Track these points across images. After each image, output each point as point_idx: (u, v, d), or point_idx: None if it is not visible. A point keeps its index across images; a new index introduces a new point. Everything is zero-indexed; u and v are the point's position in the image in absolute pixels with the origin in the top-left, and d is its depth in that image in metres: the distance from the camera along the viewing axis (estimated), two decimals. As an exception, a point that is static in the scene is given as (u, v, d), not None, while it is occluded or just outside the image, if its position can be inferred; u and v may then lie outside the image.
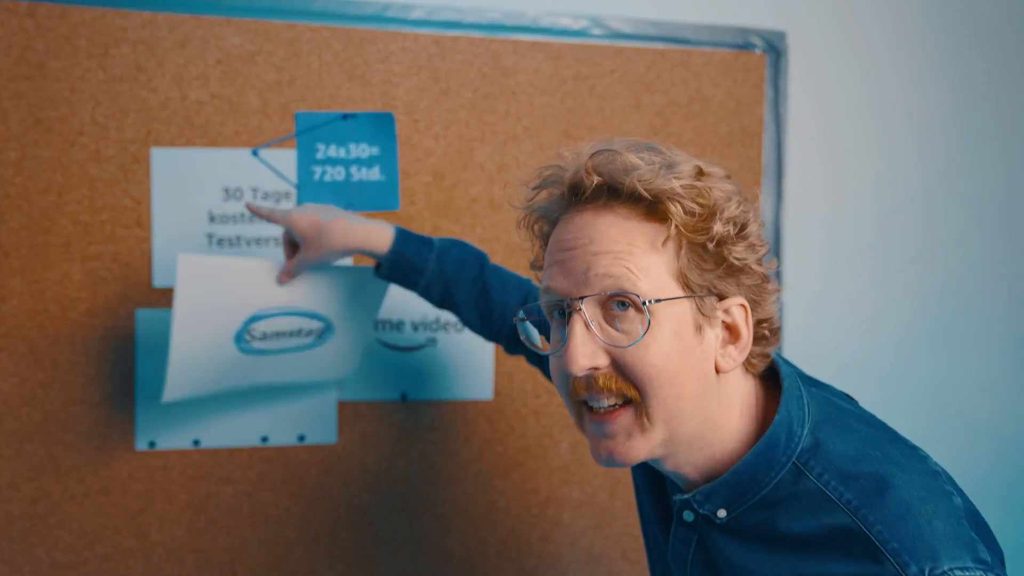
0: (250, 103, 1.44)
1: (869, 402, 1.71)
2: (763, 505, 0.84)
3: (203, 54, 1.42)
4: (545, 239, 0.90)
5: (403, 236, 1.20)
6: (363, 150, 1.47)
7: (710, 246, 0.80)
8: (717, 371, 0.83)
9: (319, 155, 1.46)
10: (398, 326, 1.48)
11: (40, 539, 1.38)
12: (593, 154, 0.83)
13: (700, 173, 0.82)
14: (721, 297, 0.82)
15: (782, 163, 1.63)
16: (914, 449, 0.85)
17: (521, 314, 0.92)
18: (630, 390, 0.81)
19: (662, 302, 0.79)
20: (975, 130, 1.75)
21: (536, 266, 0.93)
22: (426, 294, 1.22)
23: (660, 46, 1.57)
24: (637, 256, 0.79)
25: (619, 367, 0.80)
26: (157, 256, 1.41)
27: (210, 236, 1.43)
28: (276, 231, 1.44)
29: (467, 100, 1.50)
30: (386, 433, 1.48)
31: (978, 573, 0.75)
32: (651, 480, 0.99)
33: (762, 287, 0.84)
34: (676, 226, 0.79)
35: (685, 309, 0.80)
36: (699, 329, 0.81)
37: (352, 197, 1.47)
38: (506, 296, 1.21)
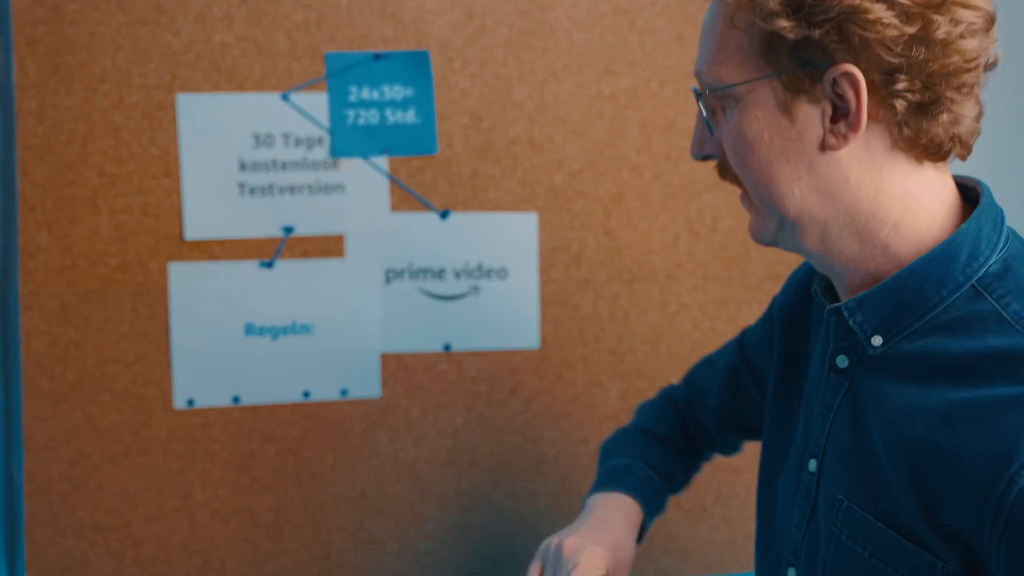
0: (278, 45, 1.37)
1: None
2: (926, 331, 0.75)
3: (227, -7, 1.35)
4: None
5: (646, 499, 1.11)
6: (397, 91, 1.42)
7: (779, 22, 0.72)
8: (824, 149, 0.75)
9: (351, 98, 1.40)
10: (439, 274, 1.43)
11: (81, 501, 1.34)
12: None
13: None
14: (826, 66, 0.72)
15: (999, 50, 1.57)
16: None
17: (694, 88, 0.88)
18: (738, 179, 0.81)
19: (723, 90, 0.77)
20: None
21: None
22: (674, 487, 1.18)
23: (702, -24, 1.51)
24: (722, 38, 0.77)
25: (728, 155, 0.81)
26: (187, 207, 1.35)
27: (241, 185, 1.37)
28: (309, 179, 1.38)
29: (503, 37, 1.44)
30: (430, 385, 1.44)
31: None
32: (808, 338, 0.93)
33: (917, 49, 0.71)
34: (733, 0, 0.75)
35: (765, 89, 0.75)
36: (788, 108, 0.75)
37: (387, 141, 1.41)
38: (705, 403, 1.17)
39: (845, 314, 0.79)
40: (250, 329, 1.37)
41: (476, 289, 1.45)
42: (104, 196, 1.33)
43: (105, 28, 1.32)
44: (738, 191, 0.83)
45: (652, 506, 1.11)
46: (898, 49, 0.70)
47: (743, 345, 1.13)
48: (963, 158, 0.77)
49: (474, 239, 1.44)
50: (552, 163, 1.46)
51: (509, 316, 1.46)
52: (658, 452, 1.16)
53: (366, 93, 1.40)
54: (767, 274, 1.53)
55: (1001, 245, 0.75)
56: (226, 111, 1.36)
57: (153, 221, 1.35)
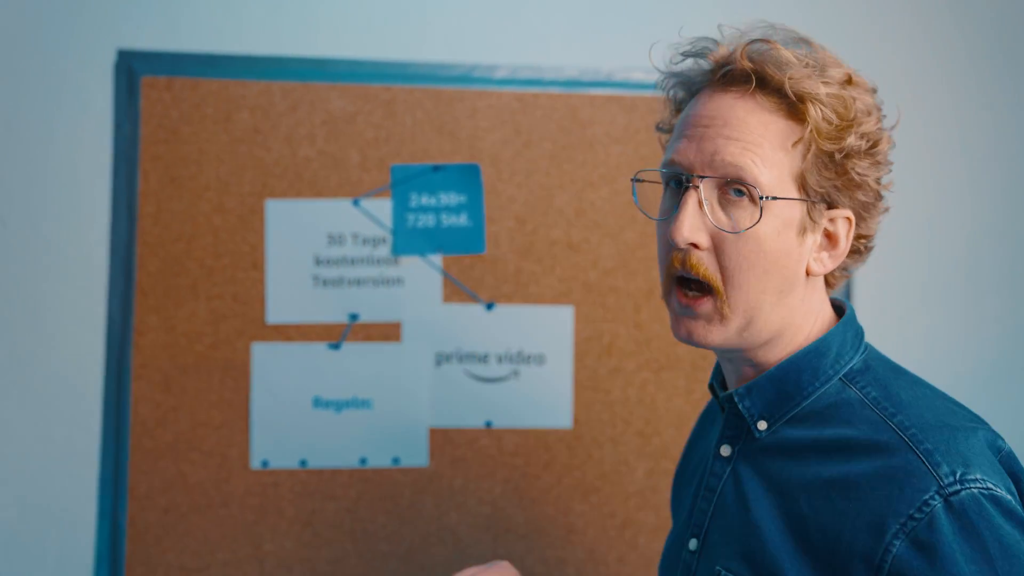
0: (351, 158, 1.61)
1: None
2: (802, 417, 0.85)
3: (311, 116, 1.60)
4: (678, 106, 0.92)
5: None
6: (452, 198, 1.62)
7: (837, 156, 0.82)
8: (808, 274, 0.86)
9: (412, 203, 1.62)
10: (483, 359, 1.61)
11: (171, 545, 1.56)
12: (752, 41, 0.85)
13: (848, 81, 0.84)
14: (831, 206, 0.84)
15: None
16: (977, 417, 0.85)
17: (638, 176, 0.93)
18: (716, 278, 0.84)
19: (777, 200, 0.81)
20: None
21: (662, 128, 0.96)
22: None
23: (730, 95, 1.66)
24: (766, 150, 0.82)
25: (717, 251, 0.83)
26: (270, 295, 1.59)
27: (316, 277, 1.60)
28: (373, 273, 1.59)
29: (547, 151, 1.63)
30: (473, 458, 1.61)
31: (1009, 497, 0.75)
32: (706, 435, 1.03)
33: (873, 204, 0.86)
34: (812, 130, 0.81)
35: (795, 210, 0.83)
36: (802, 232, 0.83)
37: (442, 241, 1.61)
38: None
39: (736, 399, 0.89)
40: (317, 402, 1.59)
41: (516, 373, 1.62)
42: (203, 285, 1.58)
43: (212, 146, 1.59)
44: None
45: None
46: (869, 208, 0.87)
47: None
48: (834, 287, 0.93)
49: (516, 328, 1.62)
50: (588, 262, 1.63)
51: (546, 398, 1.62)
52: None
53: (425, 199, 1.62)
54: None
55: (861, 350, 0.89)
56: (306, 214, 1.60)
57: (242, 307, 1.59)
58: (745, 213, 0.82)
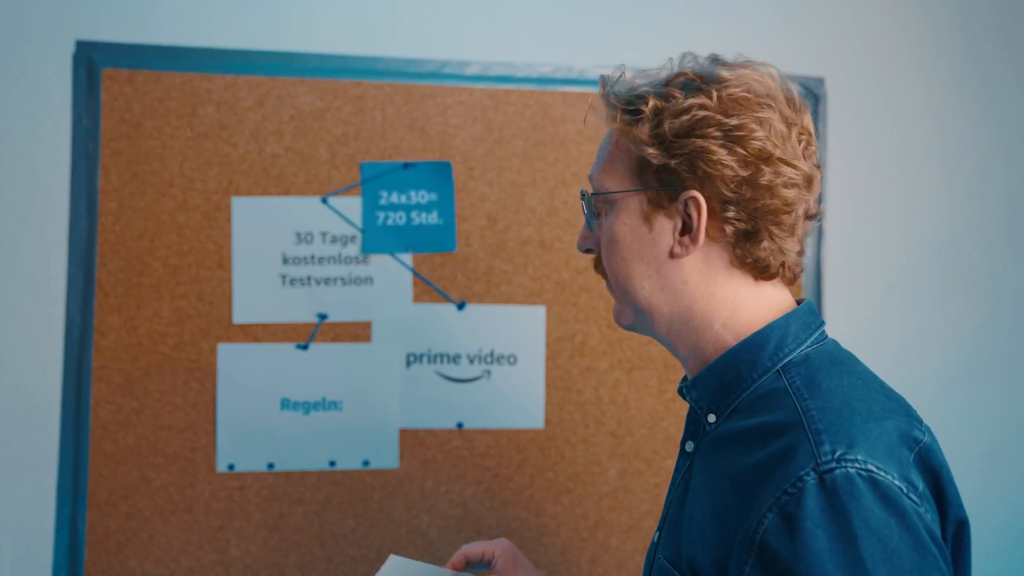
0: (320, 155, 1.58)
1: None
2: (742, 408, 0.88)
3: (278, 112, 1.56)
4: None
5: None
6: (423, 196, 1.60)
7: (648, 150, 0.89)
8: (672, 256, 0.91)
9: (382, 201, 1.59)
10: (455, 359, 1.59)
11: (133, 551, 1.52)
12: (618, 72, 0.97)
13: (671, 83, 0.91)
14: (680, 189, 0.89)
15: (821, 205, 1.70)
16: (909, 412, 0.87)
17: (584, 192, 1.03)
18: (604, 271, 0.97)
19: (615, 195, 0.93)
20: (1011, 171, 1.79)
21: None
22: None
23: (702, 94, 1.66)
24: (611, 159, 0.94)
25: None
26: (237, 294, 1.55)
27: (284, 276, 1.57)
28: (342, 272, 1.57)
29: (519, 148, 1.61)
30: (444, 459, 1.59)
31: (898, 484, 0.76)
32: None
33: (744, 193, 0.87)
34: (618, 128, 0.92)
35: (632, 201, 0.92)
36: (648, 218, 0.91)
37: (412, 240, 1.59)
38: None
39: (684, 391, 0.95)
40: (285, 403, 1.56)
41: (488, 373, 1.60)
42: (166, 284, 1.54)
43: (175, 141, 1.55)
44: None
45: None
46: (732, 186, 0.88)
47: None
48: (790, 283, 0.94)
49: (487, 328, 1.60)
50: (560, 261, 1.61)
51: (517, 399, 1.61)
52: None
53: (395, 197, 1.59)
54: (761, 366, 1.64)
55: (808, 344, 0.90)
56: (273, 212, 1.57)
57: (207, 307, 1.55)
58: (603, 217, 0.96)
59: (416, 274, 1.58)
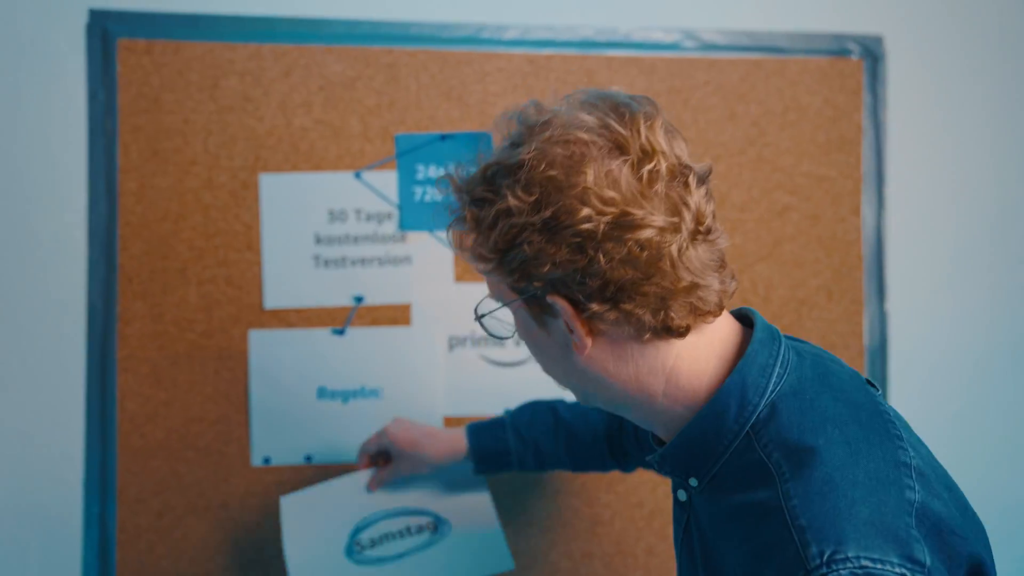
0: (352, 127, 1.48)
1: (975, 410, 1.67)
2: (723, 477, 0.83)
3: (306, 82, 1.47)
4: None
5: (474, 430, 1.29)
6: (462, 169, 1.50)
7: (491, 267, 0.84)
8: (577, 352, 0.84)
9: (419, 176, 1.50)
10: (499, 342, 1.51)
11: (166, 551, 1.44)
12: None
13: (483, 179, 0.84)
14: (542, 296, 0.82)
15: (882, 170, 1.60)
16: (893, 438, 0.80)
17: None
18: None
19: (489, 312, 0.89)
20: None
21: None
22: (524, 466, 1.29)
23: (754, 56, 1.57)
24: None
25: None
26: (267, 278, 1.46)
27: (316, 257, 1.47)
28: (379, 252, 1.48)
29: (562, 117, 1.52)
30: (490, 447, 1.50)
31: (898, 571, 0.70)
32: None
33: (590, 282, 0.79)
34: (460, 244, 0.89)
35: (518, 310, 0.87)
36: (540, 322, 0.86)
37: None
38: (589, 424, 1.28)
39: (655, 466, 0.89)
40: (322, 392, 1.47)
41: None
42: (193, 268, 1.45)
43: (198, 116, 1.45)
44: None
45: (480, 447, 1.28)
46: (580, 278, 0.79)
47: None
48: (716, 316, 0.84)
49: (533, 308, 1.51)
50: (608, 235, 1.52)
51: (566, 382, 1.52)
52: (541, 435, 1.29)
53: (433, 171, 1.50)
54: (821, 342, 1.56)
55: (770, 388, 0.82)
56: (304, 189, 1.47)
57: (236, 291, 1.46)
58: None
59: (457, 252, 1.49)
